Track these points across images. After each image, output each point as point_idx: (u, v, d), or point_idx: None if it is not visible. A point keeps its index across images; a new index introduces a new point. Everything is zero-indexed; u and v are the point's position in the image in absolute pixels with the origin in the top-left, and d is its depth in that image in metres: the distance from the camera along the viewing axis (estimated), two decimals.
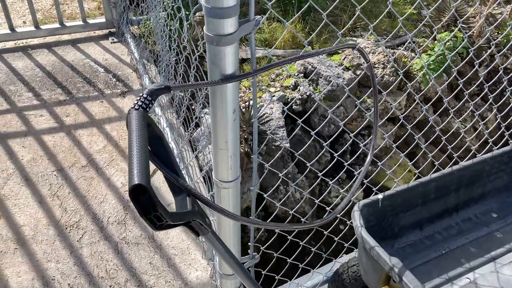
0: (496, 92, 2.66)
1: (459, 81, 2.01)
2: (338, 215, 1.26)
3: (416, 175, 2.28)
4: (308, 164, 1.87)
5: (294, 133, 2.66)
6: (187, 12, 2.87)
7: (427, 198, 1.65)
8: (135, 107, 0.94)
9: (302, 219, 1.91)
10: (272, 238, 1.63)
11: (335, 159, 2.16)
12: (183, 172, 2.26)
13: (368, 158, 1.29)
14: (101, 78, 2.95)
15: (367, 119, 3.17)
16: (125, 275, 1.95)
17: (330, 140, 1.95)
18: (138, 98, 0.95)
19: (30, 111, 2.63)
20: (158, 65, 2.88)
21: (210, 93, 1.09)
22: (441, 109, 2.42)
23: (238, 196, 1.29)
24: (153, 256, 2.03)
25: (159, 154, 0.97)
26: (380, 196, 1.53)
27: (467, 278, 1.57)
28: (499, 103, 2.59)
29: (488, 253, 1.66)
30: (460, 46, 2.95)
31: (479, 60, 3.57)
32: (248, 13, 1.04)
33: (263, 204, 2.71)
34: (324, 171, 2.10)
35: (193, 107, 2.71)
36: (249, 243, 1.50)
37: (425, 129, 2.89)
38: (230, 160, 1.19)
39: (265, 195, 1.54)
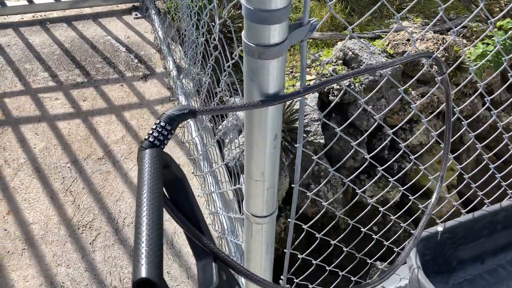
0: None
1: None
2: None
3: (458, 172, 2.02)
4: (331, 170, 1.62)
5: (328, 126, 2.42)
6: None
7: (494, 229, 1.39)
8: (149, 138, 0.72)
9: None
10: (309, 270, 1.42)
11: (370, 157, 1.92)
12: (206, 168, 2.05)
13: (437, 189, 1.04)
14: (122, 59, 2.73)
15: (410, 113, 2.88)
16: None
17: (357, 141, 1.69)
18: (154, 127, 0.72)
19: (45, 93, 2.44)
20: (184, 46, 2.64)
21: (245, 117, 0.85)
22: (505, 104, 2.13)
23: (273, 232, 1.07)
24: (171, 265, 1.84)
25: (178, 201, 0.75)
26: (439, 228, 1.29)
27: None
28: None
29: None
30: None
31: None
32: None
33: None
34: (358, 171, 1.86)
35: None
36: (281, 277, 1.28)
37: (478, 125, 2.59)
38: (267, 193, 0.96)
39: (304, 226, 1.31)
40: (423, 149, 2.77)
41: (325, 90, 2.66)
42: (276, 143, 0.88)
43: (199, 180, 2.10)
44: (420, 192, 1.67)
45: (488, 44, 2.73)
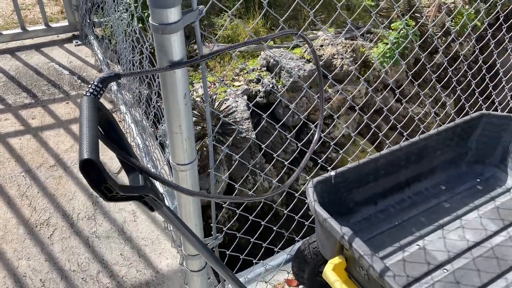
0: (457, 77, 2.80)
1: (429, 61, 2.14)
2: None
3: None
4: (275, 155, 1.96)
5: (260, 125, 2.75)
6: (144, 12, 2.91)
7: (378, 174, 1.76)
8: (87, 94, 1.01)
9: (270, 202, 1.99)
10: (234, 219, 1.72)
11: (300, 149, 2.28)
12: (148, 165, 2.32)
13: (316, 136, 1.38)
14: (66, 80, 2.97)
15: (329, 109, 3.29)
16: (97, 267, 2.00)
17: (293, 131, 2.03)
18: (90, 85, 1.02)
19: None
20: (121, 64, 2.93)
21: (161, 80, 1.16)
22: (410, 96, 2.54)
23: (196, 178, 1.37)
24: (123, 248, 2.08)
25: (111, 137, 1.04)
26: (332, 173, 1.63)
27: (417, 245, 1.69)
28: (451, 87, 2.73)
29: (437, 221, 1.78)
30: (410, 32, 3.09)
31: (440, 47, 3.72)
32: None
33: (234, 193, 2.80)
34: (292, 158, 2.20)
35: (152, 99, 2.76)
36: (212, 230, 1.57)
37: (388, 115, 3.02)
38: (185, 143, 1.26)
39: (238, 211, 1.61)
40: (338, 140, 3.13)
41: (253, 93, 3.02)
42: (186, 100, 1.20)
43: None
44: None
45: (387, 43, 3.20)
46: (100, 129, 1.03)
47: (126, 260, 2.04)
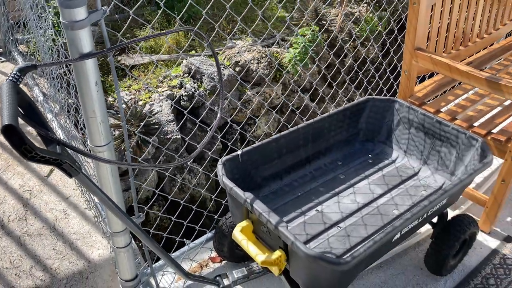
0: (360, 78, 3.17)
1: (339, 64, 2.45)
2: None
3: None
4: (209, 153, 2.18)
5: (185, 127, 2.97)
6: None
7: (281, 152, 2.03)
8: (7, 80, 1.19)
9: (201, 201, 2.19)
10: (154, 198, 1.91)
11: (226, 148, 2.53)
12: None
13: (218, 115, 1.63)
14: None
15: (250, 110, 3.57)
16: (30, 263, 2.10)
17: (222, 133, 2.24)
18: (10, 73, 1.20)
19: None
20: (45, 74, 3.05)
21: (74, 72, 1.36)
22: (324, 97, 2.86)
23: (114, 158, 1.56)
24: (56, 243, 2.20)
25: (30, 115, 1.22)
26: (239, 152, 1.88)
27: (316, 210, 1.97)
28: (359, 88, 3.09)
29: (333, 190, 2.08)
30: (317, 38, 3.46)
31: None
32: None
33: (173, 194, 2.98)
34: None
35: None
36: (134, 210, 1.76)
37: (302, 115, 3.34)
38: (100, 126, 1.46)
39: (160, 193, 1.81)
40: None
41: (177, 98, 3.24)
42: (98, 88, 1.40)
43: None
44: None
45: (297, 48, 3.55)
46: (20, 109, 1.21)
47: (59, 254, 2.16)
